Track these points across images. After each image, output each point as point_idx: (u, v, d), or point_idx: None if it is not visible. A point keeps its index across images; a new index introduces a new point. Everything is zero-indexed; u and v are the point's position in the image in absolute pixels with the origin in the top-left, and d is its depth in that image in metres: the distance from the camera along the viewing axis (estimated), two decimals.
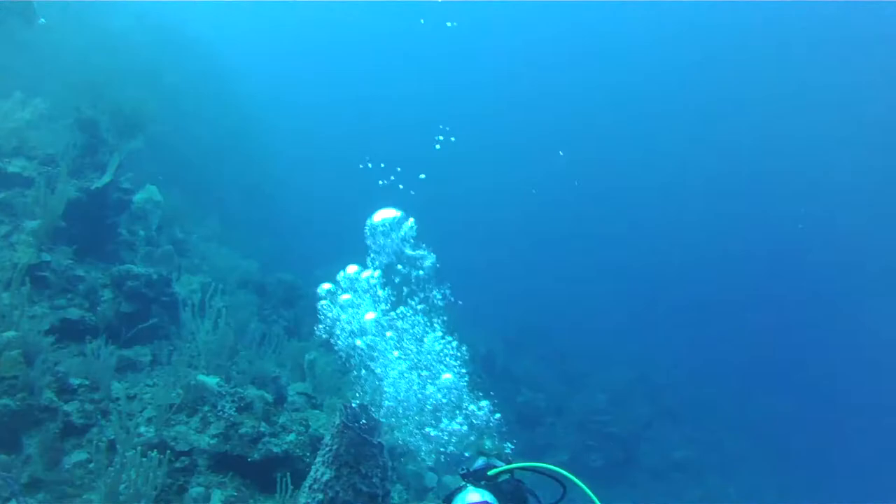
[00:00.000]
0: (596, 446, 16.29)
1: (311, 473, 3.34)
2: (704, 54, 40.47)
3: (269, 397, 5.65)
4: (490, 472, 3.38)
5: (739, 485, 17.66)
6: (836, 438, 23.62)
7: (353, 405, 3.34)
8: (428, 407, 4.27)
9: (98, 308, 6.76)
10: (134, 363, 6.33)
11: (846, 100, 37.92)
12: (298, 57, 40.57)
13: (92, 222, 7.80)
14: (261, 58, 31.75)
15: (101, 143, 8.75)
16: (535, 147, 42.64)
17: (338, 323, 4.47)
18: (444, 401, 4.31)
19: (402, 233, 4.53)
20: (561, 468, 3.35)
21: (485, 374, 15.69)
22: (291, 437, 5.34)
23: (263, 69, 30.25)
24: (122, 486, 4.47)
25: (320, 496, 3.25)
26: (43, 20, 9.90)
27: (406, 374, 4.35)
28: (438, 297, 4.41)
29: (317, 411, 6.24)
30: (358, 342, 4.42)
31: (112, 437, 5.07)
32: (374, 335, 4.45)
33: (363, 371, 4.33)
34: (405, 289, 4.48)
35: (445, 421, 4.23)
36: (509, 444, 3.70)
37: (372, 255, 4.56)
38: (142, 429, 5.37)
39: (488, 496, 3.15)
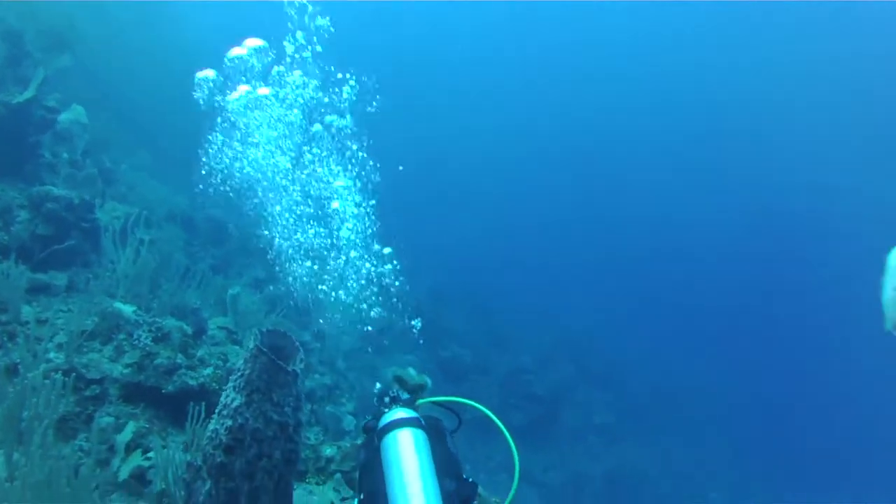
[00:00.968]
0: (518, 405, 16.75)
1: (222, 399, 3.26)
2: (704, 54, 40.86)
3: (189, 329, 5.51)
4: (419, 401, 3.45)
5: (655, 452, 18.52)
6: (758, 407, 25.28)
7: (269, 329, 3.26)
8: None
9: (12, 228, 6.41)
10: (48, 286, 6.04)
11: (846, 100, 39.00)
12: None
13: (11, 139, 7.37)
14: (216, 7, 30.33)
15: (25, 55, 8.22)
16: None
17: None
18: None
19: None
20: (492, 413, 3.43)
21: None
22: (209, 370, 5.22)
23: (217, 19, 28.94)
24: (25, 411, 4.28)
25: (229, 422, 3.19)
26: None
27: None
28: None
29: (237, 347, 6.13)
30: None
31: (17, 360, 4.86)
32: None
33: None
34: None
35: None
36: (428, 379, 3.72)
37: None
38: (51, 354, 5.16)
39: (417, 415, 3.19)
